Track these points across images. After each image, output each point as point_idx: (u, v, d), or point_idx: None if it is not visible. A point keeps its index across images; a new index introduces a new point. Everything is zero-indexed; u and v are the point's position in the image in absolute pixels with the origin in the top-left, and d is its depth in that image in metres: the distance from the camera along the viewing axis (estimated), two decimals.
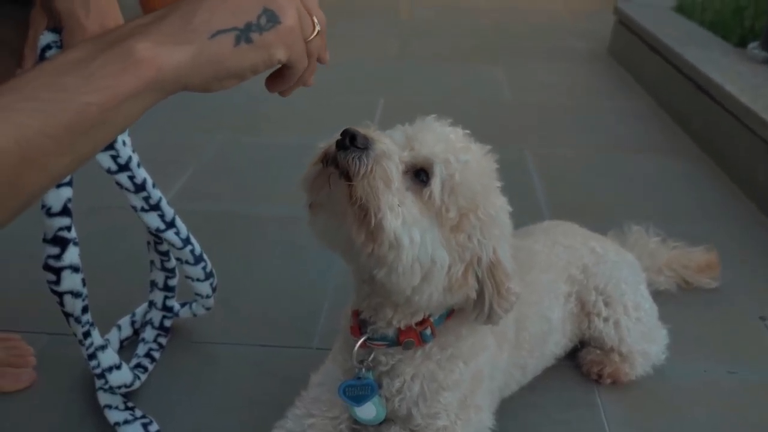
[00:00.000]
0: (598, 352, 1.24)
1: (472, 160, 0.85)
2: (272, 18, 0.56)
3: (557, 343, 1.21)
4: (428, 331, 0.91)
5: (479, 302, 0.86)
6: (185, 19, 0.53)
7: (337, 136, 0.78)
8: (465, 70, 3.28)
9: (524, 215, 1.81)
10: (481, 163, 0.87)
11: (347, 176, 0.77)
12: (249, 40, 0.55)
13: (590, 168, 2.22)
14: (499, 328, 1.03)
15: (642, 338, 1.23)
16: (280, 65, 0.60)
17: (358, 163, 0.77)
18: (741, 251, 1.71)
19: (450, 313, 0.93)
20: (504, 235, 0.87)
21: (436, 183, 0.81)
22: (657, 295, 1.34)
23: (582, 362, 1.27)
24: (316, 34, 0.62)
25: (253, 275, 1.60)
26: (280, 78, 0.64)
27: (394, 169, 0.79)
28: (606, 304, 1.20)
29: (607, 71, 3.31)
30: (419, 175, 0.82)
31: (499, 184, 0.89)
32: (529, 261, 1.17)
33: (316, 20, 0.62)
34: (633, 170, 2.21)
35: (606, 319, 1.20)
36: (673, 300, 1.46)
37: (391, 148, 0.81)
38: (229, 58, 0.54)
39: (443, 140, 0.85)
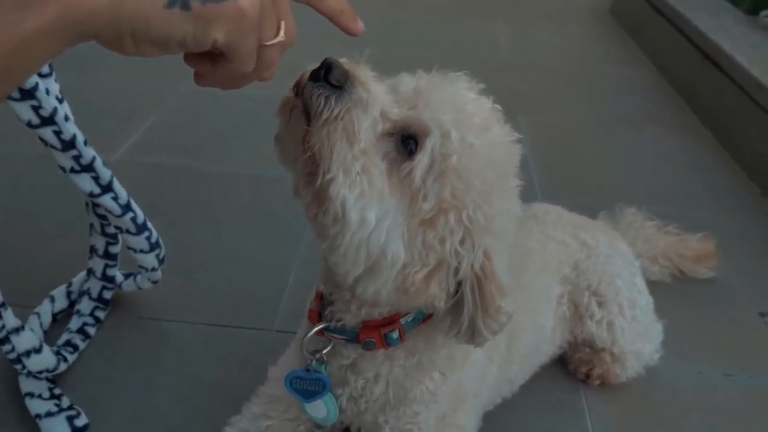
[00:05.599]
0: (588, 350, 1.13)
1: (484, 145, 0.63)
2: None
3: (545, 353, 1.09)
4: (395, 334, 0.74)
5: (455, 318, 0.69)
6: None
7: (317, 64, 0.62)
8: (460, 25, 3.08)
9: None
10: (495, 152, 0.65)
11: (307, 116, 0.62)
12: (186, 6, 0.43)
13: (585, 140, 2.08)
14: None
15: (637, 338, 1.11)
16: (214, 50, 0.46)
17: (322, 103, 0.60)
18: (740, 239, 1.60)
19: (427, 317, 0.76)
20: (502, 245, 0.68)
21: (422, 158, 0.62)
22: (649, 285, 1.22)
23: (569, 360, 1.15)
24: (276, 42, 0.49)
25: (215, 242, 1.45)
26: (211, 67, 0.49)
27: (366, 126, 0.61)
28: (599, 305, 1.07)
29: (608, 33, 3.14)
30: (407, 143, 0.63)
31: (515, 183, 0.69)
32: (524, 261, 1.01)
33: (282, 27, 0.49)
34: (629, 145, 2.07)
35: (599, 321, 1.08)
36: (667, 292, 1.34)
37: (375, 97, 0.62)
38: (155, 20, 0.42)
39: (458, 109, 0.64)
